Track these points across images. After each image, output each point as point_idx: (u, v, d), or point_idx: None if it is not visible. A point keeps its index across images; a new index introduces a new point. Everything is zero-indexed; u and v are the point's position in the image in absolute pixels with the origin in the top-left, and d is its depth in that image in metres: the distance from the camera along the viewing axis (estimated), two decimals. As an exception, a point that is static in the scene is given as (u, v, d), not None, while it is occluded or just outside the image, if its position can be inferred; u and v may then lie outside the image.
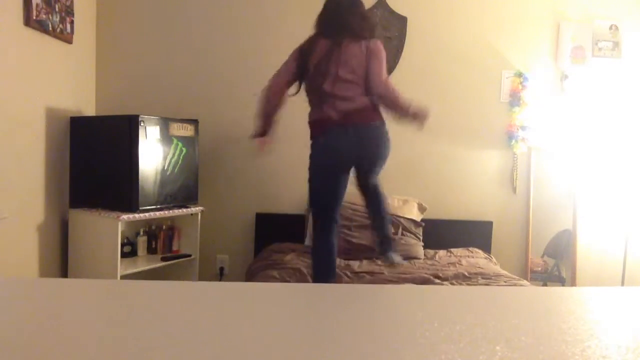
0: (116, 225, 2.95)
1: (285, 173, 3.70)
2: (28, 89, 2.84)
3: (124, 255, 3.20)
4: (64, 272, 3.21)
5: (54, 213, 3.14)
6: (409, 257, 3.21)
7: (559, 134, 3.71)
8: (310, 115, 2.61)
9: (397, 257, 2.70)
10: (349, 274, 2.90)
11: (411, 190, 3.64)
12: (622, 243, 3.71)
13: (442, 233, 3.58)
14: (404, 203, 3.51)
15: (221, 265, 3.71)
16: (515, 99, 3.67)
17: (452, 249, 3.51)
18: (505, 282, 2.85)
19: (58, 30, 3.01)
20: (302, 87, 2.63)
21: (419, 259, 3.28)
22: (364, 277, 2.87)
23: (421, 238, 3.44)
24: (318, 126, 2.56)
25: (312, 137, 2.59)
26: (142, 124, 3.00)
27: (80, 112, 3.39)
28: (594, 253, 3.75)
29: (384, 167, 2.63)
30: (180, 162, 3.27)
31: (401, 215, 3.39)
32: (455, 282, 2.82)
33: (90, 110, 3.56)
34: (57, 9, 2.98)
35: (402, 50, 3.65)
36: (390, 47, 3.64)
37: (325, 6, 2.66)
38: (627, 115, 3.71)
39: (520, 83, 3.65)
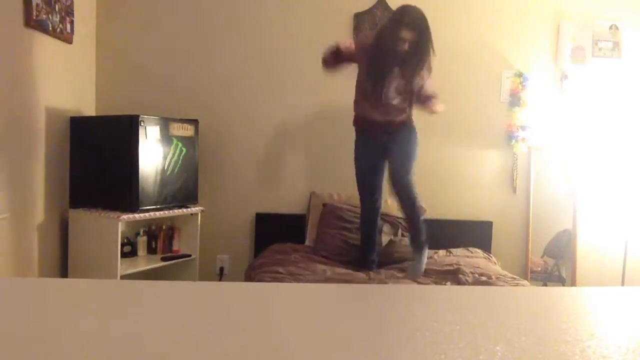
0: (116, 225, 2.95)
1: (286, 173, 3.70)
2: (28, 89, 2.83)
3: (124, 255, 3.20)
4: (64, 272, 3.21)
5: (54, 213, 3.14)
6: (410, 259, 3.21)
7: (559, 134, 3.71)
8: None
9: (419, 270, 2.83)
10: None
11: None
12: (622, 243, 3.71)
13: (442, 233, 3.57)
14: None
15: (221, 265, 3.71)
16: (515, 99, 3.67)
17: (452, 249, 3.51)
18: (506, 282, 2.85)
19: (58, 30, 3.01)
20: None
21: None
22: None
23: (421, 238, 3.43)
24: None
25: None
26: (142, 124, 3.00)
27: (80, 112, 3.39)
28: (594, 253, 3.74)
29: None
30: (180, 162, 3.26)
31: (401, 216, 3.38)
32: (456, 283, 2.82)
33: (90, 110, 3.56)
34: (57, 9, 2.97)
35: (402, 50, 3.64)
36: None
37: None
38: (627, 115, 3.71)
39: (520, 83, 3.65)
